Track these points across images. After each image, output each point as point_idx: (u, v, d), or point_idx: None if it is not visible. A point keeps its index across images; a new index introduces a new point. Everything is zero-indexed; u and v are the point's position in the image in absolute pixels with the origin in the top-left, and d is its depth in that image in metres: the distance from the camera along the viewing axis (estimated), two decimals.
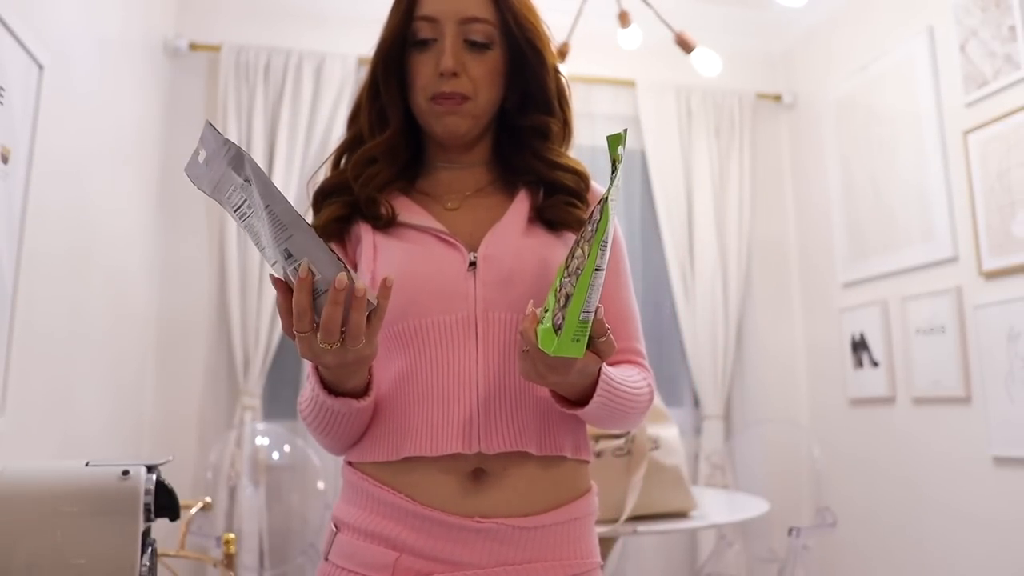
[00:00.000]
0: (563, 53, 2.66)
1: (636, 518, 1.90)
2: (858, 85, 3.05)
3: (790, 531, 2.41)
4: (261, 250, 0.76)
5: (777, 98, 3.50)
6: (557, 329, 0.75)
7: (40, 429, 1.73)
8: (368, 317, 0.76)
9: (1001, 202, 2.37)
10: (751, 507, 2.18)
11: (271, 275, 0.77)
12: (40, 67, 1.60)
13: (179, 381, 2.82)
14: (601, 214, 0.75)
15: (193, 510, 1.52)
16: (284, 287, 0.76)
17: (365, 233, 0.99)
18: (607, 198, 0.75)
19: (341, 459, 1.01)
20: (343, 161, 1.05)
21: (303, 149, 2.93)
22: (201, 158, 0.71)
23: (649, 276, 3.33)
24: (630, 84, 3.32)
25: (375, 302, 0.76)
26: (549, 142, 1.03)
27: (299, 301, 0.73)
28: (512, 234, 0.97)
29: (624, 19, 2.65)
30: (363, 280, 0.90)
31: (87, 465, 1.05)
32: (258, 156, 2.89)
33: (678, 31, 2.60)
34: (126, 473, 1.03)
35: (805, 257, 3.41)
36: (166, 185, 2.81)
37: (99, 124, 2.10)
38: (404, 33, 1.00)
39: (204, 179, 0.72)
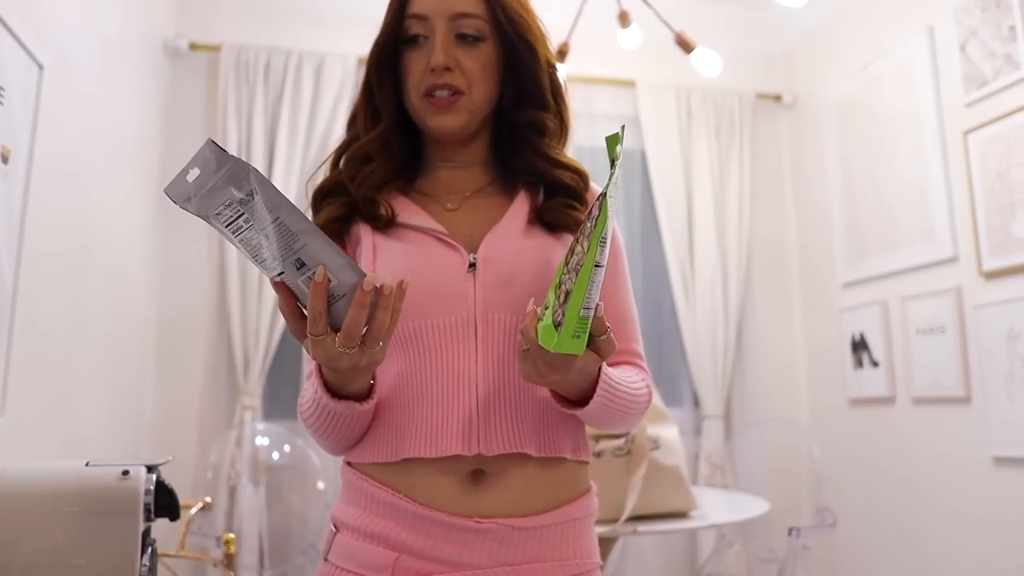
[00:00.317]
0: (563, 53, 2.66)
1: (636, 518, 1.90)
2: (858, 85, 3.05)
3: (790, 531, 2.42)
4: (260, 262, 0.74)
5: (777, 98, 3.50)
6: (557, 325, 0.75)
7: (40, 429, 1.73)
8: None
9: (1001, 202, 2.37)
10: (751, 507, 2.18)
11: (272, 279, 0.76)
12: (40, 67, 1.60)
13: (179, 381, 2.82)
14: (600, 210, 0.75)
15: (193, 510, 1.52)
16: (286, 290, 0.76)
17: (365, 233, 0.99)
18: (606, 193, 0.75)
19: (341, 459, 1.01)
20: (341, 162, 1.05)
21: (303, 149, 2.93)
22: (191, 176, 0.68)
23: (649, 276, 3.33)
24: (630, 84, 3.32)
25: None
26: (546, 138, 1.03)
27: (315, 306, 0.73)
28: (512, 235, 0.97)
29: (624, 19, 2.65)
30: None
31: (87, 465, 1.05)
32: (258, 156, 2.89)
33: (678, 31, 2.60)
34: (126, 473, 1.03)
35: (805, 257, 3.41)
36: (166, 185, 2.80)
37: (99, 124, 2.10)
38: (396, 32, 1.00)
39: (190, 198, 0.69)
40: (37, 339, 1.66)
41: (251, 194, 0.68)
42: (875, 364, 2.91)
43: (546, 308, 0.78)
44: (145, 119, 2.64)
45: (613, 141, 0.78)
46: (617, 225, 0.96)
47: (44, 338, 1.72)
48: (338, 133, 2.93)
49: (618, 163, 0.77)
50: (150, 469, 1.06)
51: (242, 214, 0.69)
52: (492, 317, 0.93)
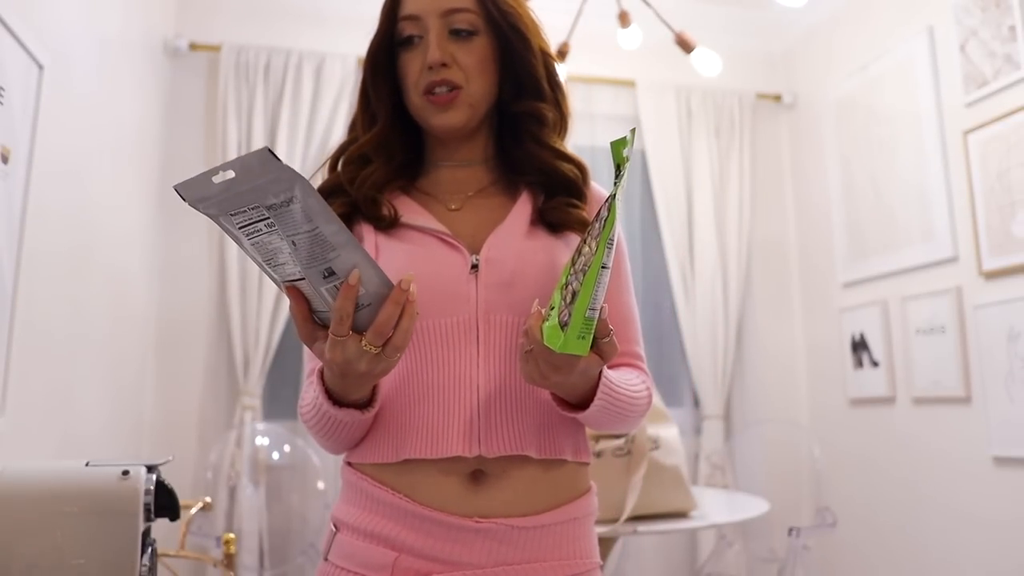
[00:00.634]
0: (563, 53, 2.66)
1: (636, 518, 1.90)
2: (858, 85, 3.05)
3: (790, 531, 2.42)
4: (273, 266, 0.73)
5: (777, 98, 3.50)
6: (563, 326, 0.75)
7: (40, 429, 1.73)
8: None
9: (1001, 202, 2.37)
10: (751, 507, 2.18)
11: (284, 284, 0.76)
12: (40, 67, 1.60)
13: (179, 381, 2.82)
14: (608, 211, 0.75)
15: (193, 510, 1.52)
16: (299, 295, 0.76)
17: (367, 234, 0.99)
18: (615, 195, 0.75)
19: (341, 459, 1.01)
20: (339, 164, 1.05)
21: (303, 149, 2.93)
22: (219, 178, 0.66)
23: (649, 276, 3.33)
24: (630, 84, 3.32)
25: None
26: (547, 128, 1.03)
27: (343, 307, 0.74)
28: (514, 236, 0.97)
29: (624, 19, 2.65)
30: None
31: (87, 465, 1.05)
32: None
33: (678, 31, 2.60)
34: (126, 473, 1.03)
35: (805, 257, 3.41)
36: (166, 185, 2.80)
37: (99, 124, 2.10)
38: (390, 35, 1.01)
39: (207, 199, 0.67)
40: (37, 339, 1.66)
41: (288, 202, 0.67)
42: (875, 364, 2.91)
43: (551, 308, 0.78)
44: (145, 119, 2.64)
45: (619, 145, 0.78)
46: (620, 228, 0.97)
47: (44, 338, 1.72)
48: (338, 133, 2.93)
49: (626, 166, 0.77)
50: (150, 469, 1.06)
51: (266, 218, 0.68)
52: (494, 318, 0.93)
